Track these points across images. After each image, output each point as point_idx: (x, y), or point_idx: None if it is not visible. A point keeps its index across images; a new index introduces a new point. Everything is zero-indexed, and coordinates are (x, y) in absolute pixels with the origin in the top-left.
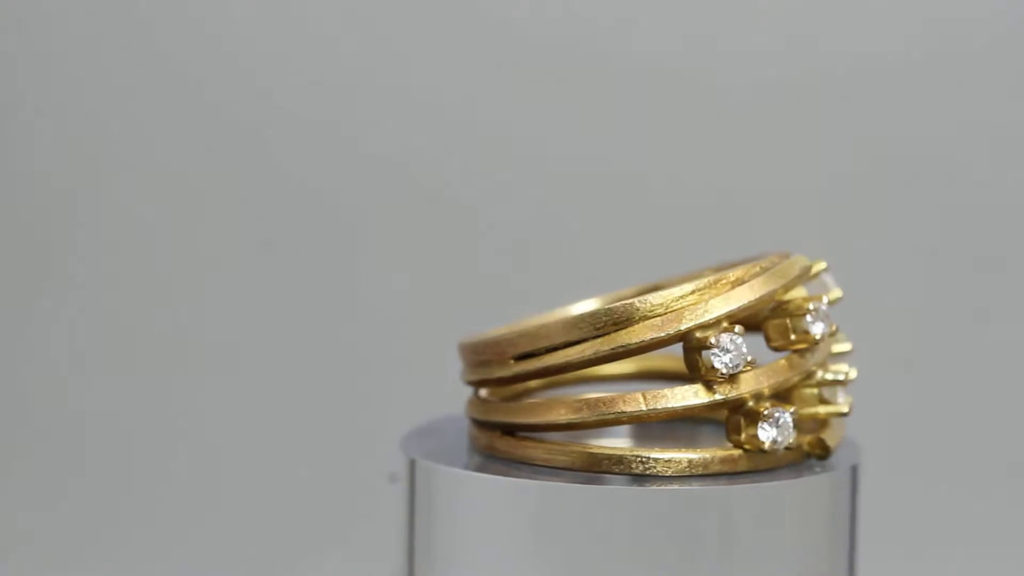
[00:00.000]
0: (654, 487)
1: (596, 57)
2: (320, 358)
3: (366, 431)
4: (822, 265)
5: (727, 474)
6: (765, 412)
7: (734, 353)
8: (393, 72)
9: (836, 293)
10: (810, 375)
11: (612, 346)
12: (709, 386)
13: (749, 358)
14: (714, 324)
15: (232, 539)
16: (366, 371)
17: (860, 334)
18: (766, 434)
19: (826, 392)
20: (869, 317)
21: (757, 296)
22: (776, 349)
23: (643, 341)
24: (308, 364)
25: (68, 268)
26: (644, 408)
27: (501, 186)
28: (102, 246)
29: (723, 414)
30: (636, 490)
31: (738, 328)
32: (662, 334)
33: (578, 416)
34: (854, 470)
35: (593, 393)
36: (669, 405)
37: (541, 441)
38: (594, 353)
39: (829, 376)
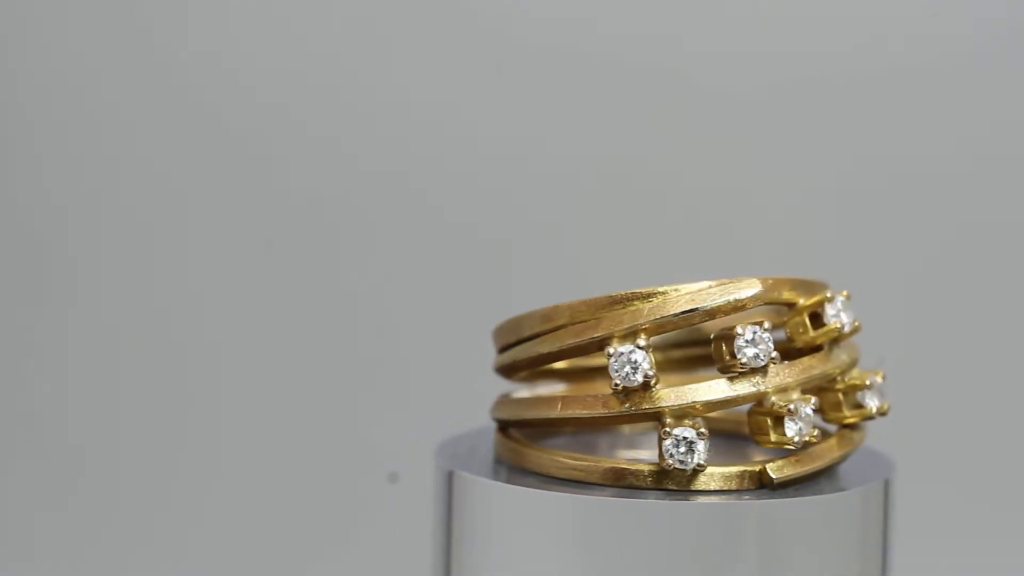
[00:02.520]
0: (688, 501)
1: (593, 60)
2: (325, 360)
3: (369, 433)
4: (808, 300)
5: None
6: (665, 431)
7: (631, 366)
8: (394, 75)
9: (833, 325)
10: (760, 401)
11: (538, 351)
12: (619, 397)
13: (650, 372)
14: (627, 336)
15: (235, 541)
16: (367, 375)
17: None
18: (669, 453)
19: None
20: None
21: (667, 314)
22: (721, 371)
23: (563, 346)
24: (311, 366)
25: (69, 270)
26: (558, 414)
27: (505, 188)
28: (103, 248)
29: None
30: (670, 504)
31: (641, 341)
32: (579, 340)
33: (511, 414)
34: (886, 484)
35: None
36: (579, 413)
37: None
38: (526, 354)
39: (780, 404)
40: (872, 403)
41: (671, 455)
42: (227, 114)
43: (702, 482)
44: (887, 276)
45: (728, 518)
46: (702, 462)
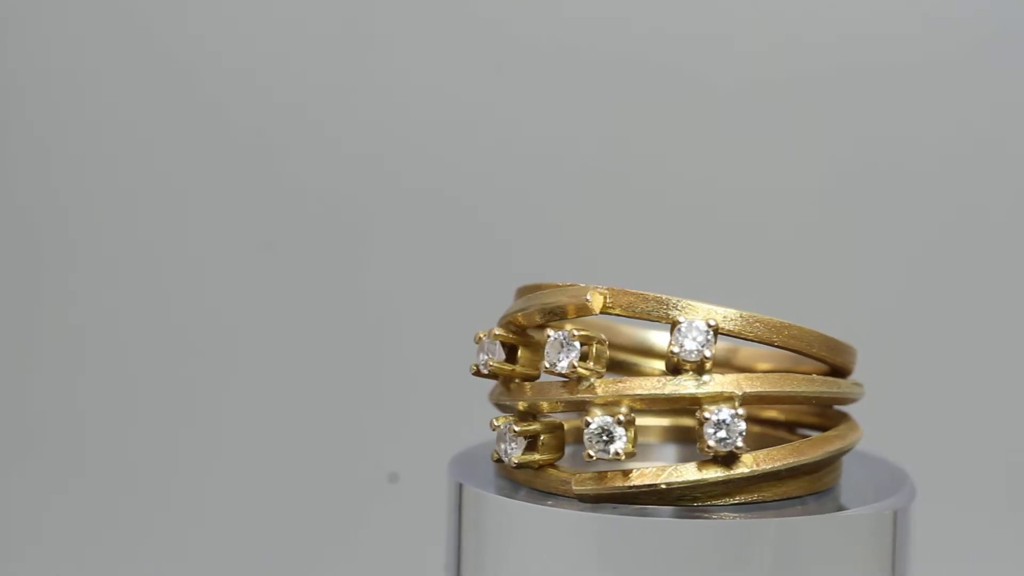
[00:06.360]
0: (702, 520)
1: (592, 60)
2: (325, 360)
3: (369, 434)
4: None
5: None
6: (493, 424)
7: (484, 355)
8: (394, 73)
9: (668, 350)
10: (582, 406)
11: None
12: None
13: (485, 360)
14: (500, 327)
15: (236, 541)
16: (367, 375)
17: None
18: (498, 446)
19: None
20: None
21: (514, 312)
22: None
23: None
24: (311, 366)
25: (69, 269)
26: (494, 399)
27: (507, 188)
28: (105, 247)
29: None
30: (682, 522)
31: (497, 331)
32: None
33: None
34: (906, 503)
35: None
36: (499, 400)
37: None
38: None
39: (588, 416)
40: (713, 438)
41: (504, 449)
42: (228, 114)
43: (540, 483)
44: (892, 276)
45: (744, 536)
46: (515, 459)
